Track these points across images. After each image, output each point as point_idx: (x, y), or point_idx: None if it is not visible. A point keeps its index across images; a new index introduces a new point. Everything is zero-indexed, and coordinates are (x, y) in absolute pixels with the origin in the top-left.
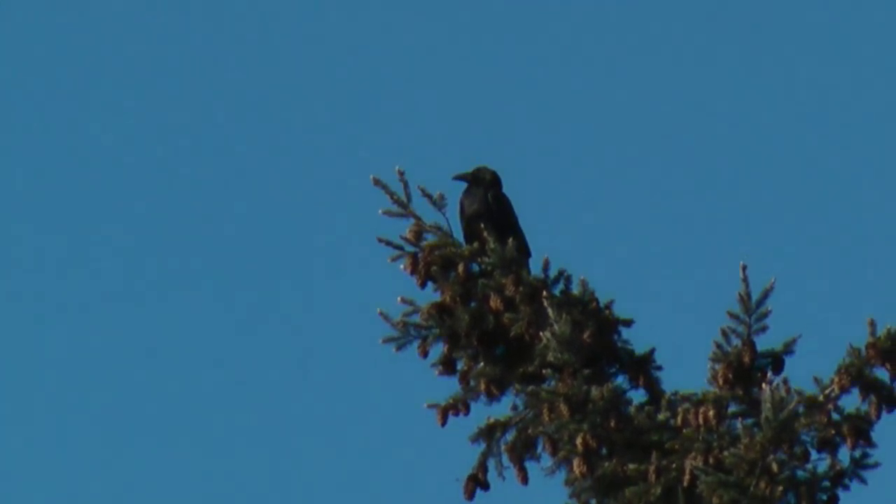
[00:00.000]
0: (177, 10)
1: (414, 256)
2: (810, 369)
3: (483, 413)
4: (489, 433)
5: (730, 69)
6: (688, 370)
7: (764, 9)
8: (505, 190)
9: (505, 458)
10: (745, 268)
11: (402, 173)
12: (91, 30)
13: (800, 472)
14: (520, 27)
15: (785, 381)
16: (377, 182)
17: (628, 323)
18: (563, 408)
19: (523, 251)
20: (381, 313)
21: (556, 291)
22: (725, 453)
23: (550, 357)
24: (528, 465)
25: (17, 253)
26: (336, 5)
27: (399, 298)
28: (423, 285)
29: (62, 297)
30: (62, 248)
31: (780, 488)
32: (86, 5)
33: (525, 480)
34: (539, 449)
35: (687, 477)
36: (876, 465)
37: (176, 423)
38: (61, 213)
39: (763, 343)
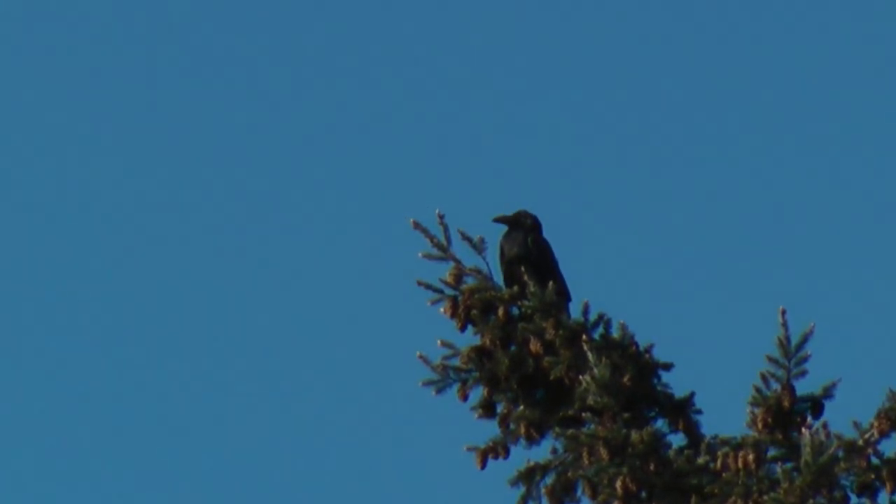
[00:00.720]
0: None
1: (454, 300)
2: (849, 414)
3: (523, 456)
4: (529, 476)
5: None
6: (727, 414)
7: (762, 9)
8: (545, 234)
9: (544, 502)
10: (784, 312)
11: (441, 217)
12: (90, 28)
13: None
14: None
15: (824, 426)
16: (417, 226)
17: (668, 367)
18: (603, 451)
19: (563, 295)
20: (420, 356)
21: (596, 335)
22: (765, 497)
23: (590, 400)
24: None
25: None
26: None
27: (439, 342)
28: (462, 329)
29: (63, 297)
30: (62, 250)
31: None
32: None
33: None
34: (578, 492)
35: None
36: None
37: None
38: (61, 213)
39: (802, 387)
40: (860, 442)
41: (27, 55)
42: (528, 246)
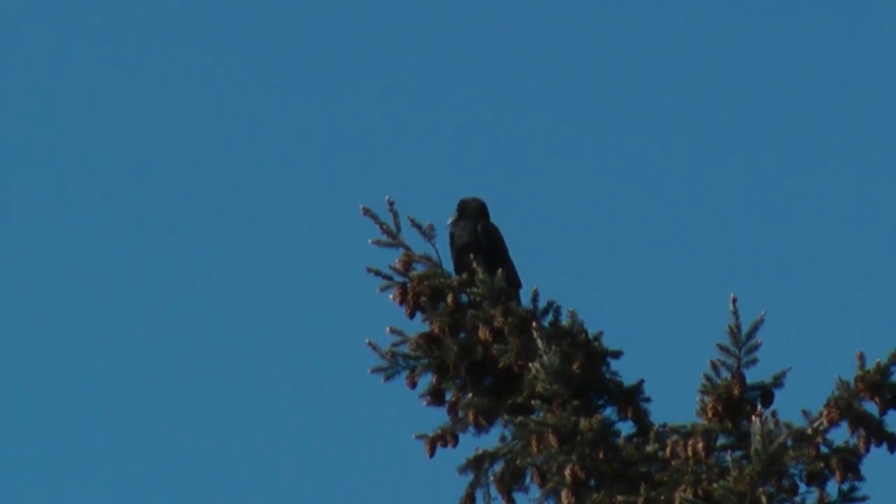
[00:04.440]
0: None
1: (403, 287)
2: (799, 402)
3: (471, 444)
4: (477, 464)
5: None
6: (677, 402)
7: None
8: (496, 220)
9: (493, 489)
10: (735, 300)
11: (391, 203)
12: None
13: None
14: (512, 53)
15: (774, 414)
16: (367, 212)
17: (617, 354)
18: (552, 439)
19: (513, 282)
20: (369, 343)
21: (546, 323)
22: (714, 485)
23: (539, 388)
24: (517, 496)
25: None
26: (327, 30)
27: (388, 329)
28: (412, 316)
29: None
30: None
31: None
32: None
33: None
34: (527, 480)
35: None
36: (864, 498)
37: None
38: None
39: (752, 376)
40: (809, 431)
41: (26, 54)
42: (476, 233)
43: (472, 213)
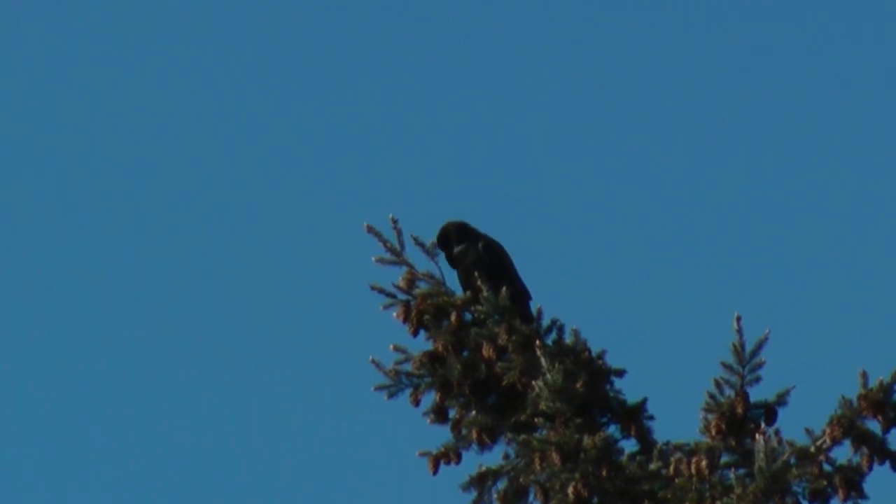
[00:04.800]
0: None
1: (406, 305)
2: (803, 421)
3: (475, 461)
4: (480, 481)
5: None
6: (680, 421)
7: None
8: (497, 229)
9: None
10: (739, 318)
11: (395, 221)
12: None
13: None
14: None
15: (777, 432)
16: (370, 229)
17: (620, 373)
18: (555, 456)
19: (521, 296)
20: (373, 361)
21: (549, 341)
22: (718, 503)
23: (543, 406)
24: None
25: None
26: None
27: (391, 346)
28: (415, 334)
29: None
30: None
31: None
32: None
33: None
34: (530, 498)
35: None
36: None
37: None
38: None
39: (756, 394)
40: (812, 449)
41: (26, 54)
42: (478, 252)
43: (471, 234)
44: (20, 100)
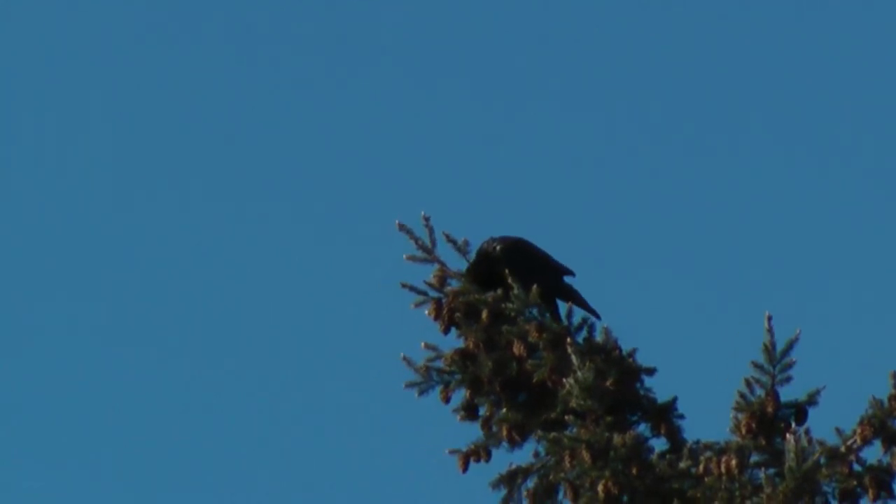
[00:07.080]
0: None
1: (438, 302)
2: (833, 421)
3: (505, 459)
4: (510, 479)
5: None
6: (710, 420)
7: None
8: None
9: None
10: (770, 318)
11: (427, 219)
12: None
13: None
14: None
15: (808, 432)
16: (402, 227)
17: (651, 371)
18: (585, 454)
19: (552, 289)
20: (404, 358)
21: (580, 339)
22: (748, 502)
23: (573, 404)
24: None
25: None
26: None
27: (422, 344)
28: (446, 331)
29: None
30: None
31: None
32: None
33: None
34: (560, 495)
35: None
36: None
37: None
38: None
39: (786, 393)
40: (843, 449)
41: (26, 54)
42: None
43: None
44: (20, 100)
